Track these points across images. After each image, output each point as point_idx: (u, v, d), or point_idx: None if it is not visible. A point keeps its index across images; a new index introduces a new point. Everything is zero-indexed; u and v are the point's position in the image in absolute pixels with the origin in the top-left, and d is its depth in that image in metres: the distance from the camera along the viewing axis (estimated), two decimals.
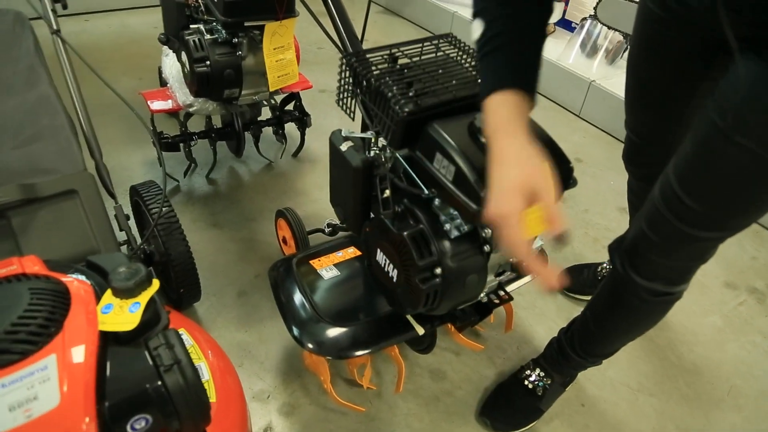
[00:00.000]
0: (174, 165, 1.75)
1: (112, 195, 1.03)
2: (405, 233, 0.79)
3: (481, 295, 0.93)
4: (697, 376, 1.33)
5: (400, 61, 0.88)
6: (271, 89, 1.44)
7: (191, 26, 1.36)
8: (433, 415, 1.16)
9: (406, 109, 0.77)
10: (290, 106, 1.77)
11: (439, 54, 0.91)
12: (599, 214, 1.81)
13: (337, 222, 1.24)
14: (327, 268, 1.08)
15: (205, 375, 0.86)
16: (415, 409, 1.17)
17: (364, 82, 0.84)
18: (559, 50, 2.47)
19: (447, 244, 0.80)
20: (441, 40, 0.93)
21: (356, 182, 0.90)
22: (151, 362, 0.63)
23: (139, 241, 1.14)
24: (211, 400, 0.81)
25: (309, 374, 1.20)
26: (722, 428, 1.22)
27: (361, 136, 0.90)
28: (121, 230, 1.06)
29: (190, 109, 1.49)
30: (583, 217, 1.79)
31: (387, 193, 0.83)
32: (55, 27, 1.07)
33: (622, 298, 0.94)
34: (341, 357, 0.91)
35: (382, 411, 1.15)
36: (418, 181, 0.82)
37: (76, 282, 0.70)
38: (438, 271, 0.80)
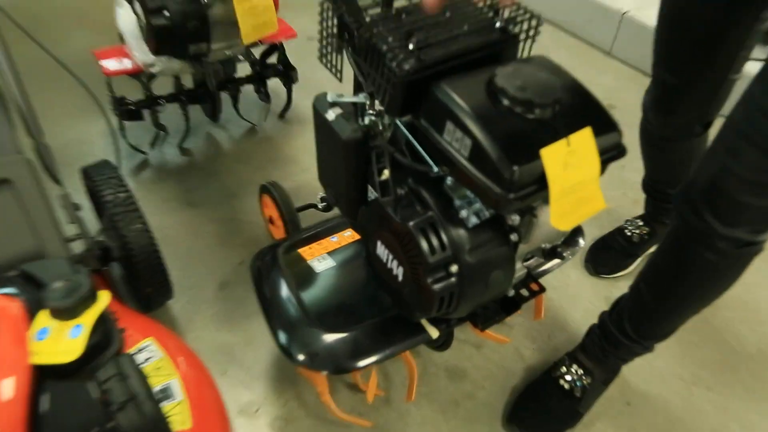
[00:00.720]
0: (141, 135, 1.67)
1: (57, 181, 0.96)
2: (410, 223, 0.73)
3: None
4: (763, 363, 1.28)
5: (396, 4, 0.80)
6: (245, 41, 1.35)
7: None
8: (452, 424, 1.12)
9: (406, 67, 0.70)
10: (274, 59, 1.68)
11: None
12: (637, 170, 1.70)
13: None
14: (319, 258, 1.02)
15: (178, 395, 0.81)
16: (430, 416, 1.13)
17: (353, 33, 0.75)
18: None
19: (464, 234, 0.74)
20: None
21: (347, 158, 0.82)
22: (100, 399, 0.58)
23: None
24: (184, 427, 0.76)
25: (304, 380, 1.15)
26: None
27: (351, 100, 0.81)
28: (72, 222, 1.00)
29: (152, 69, 1.40)
30: (619, 175, 1.70)
31: (386, 173, 0.75)
32: None
33: (693, 257, 0.89)
34: (339, 371, 0.85)
35: (392, 420, 1.11)
36: (425, 156, 0.75)
37: (3, 300, 0.64)
38: (453, 268, 0.73)
